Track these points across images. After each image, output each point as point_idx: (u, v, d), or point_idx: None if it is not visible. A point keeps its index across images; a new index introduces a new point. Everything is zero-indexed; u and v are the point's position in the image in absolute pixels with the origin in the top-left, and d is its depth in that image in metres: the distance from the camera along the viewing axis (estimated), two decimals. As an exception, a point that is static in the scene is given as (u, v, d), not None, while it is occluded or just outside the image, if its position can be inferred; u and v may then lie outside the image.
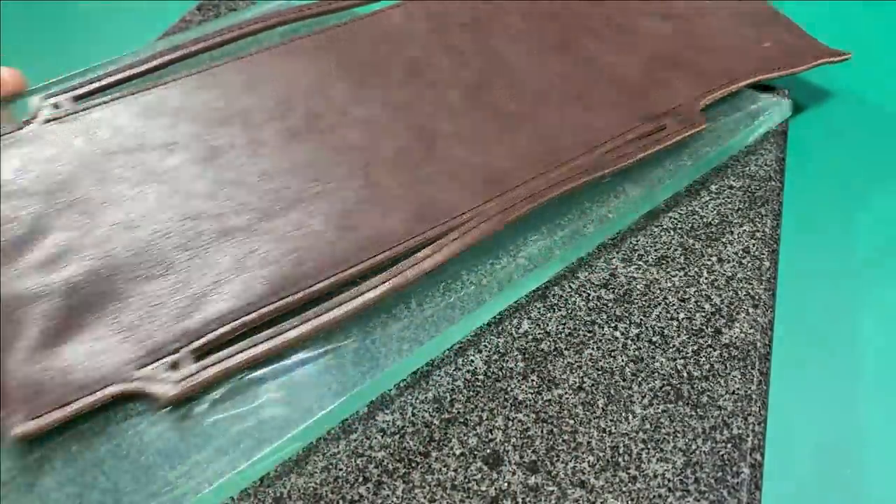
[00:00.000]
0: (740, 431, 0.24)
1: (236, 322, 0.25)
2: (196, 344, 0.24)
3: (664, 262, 0.30)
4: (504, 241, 0.29)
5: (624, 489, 0.23)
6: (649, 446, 0.24)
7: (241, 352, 0.24)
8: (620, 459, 0.24)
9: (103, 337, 0.24)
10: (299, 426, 0.23)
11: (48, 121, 0.32)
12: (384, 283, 0.26)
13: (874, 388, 0.28)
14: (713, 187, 0.33)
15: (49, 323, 0.24)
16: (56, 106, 0.33)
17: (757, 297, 0.29)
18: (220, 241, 0.27)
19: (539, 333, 0.27)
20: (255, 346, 0.24)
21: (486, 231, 0.28)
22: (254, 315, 0.25)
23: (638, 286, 0.29)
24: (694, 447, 0.24)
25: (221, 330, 0.24)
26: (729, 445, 0.24)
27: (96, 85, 0.34)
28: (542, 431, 0.24)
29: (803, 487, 0.25)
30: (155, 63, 0.35)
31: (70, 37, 0.48)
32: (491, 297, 0.27)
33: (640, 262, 0.30)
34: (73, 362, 0.23)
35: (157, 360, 0.24)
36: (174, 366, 0.24)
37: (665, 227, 0.32)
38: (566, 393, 0.26)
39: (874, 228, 0.35)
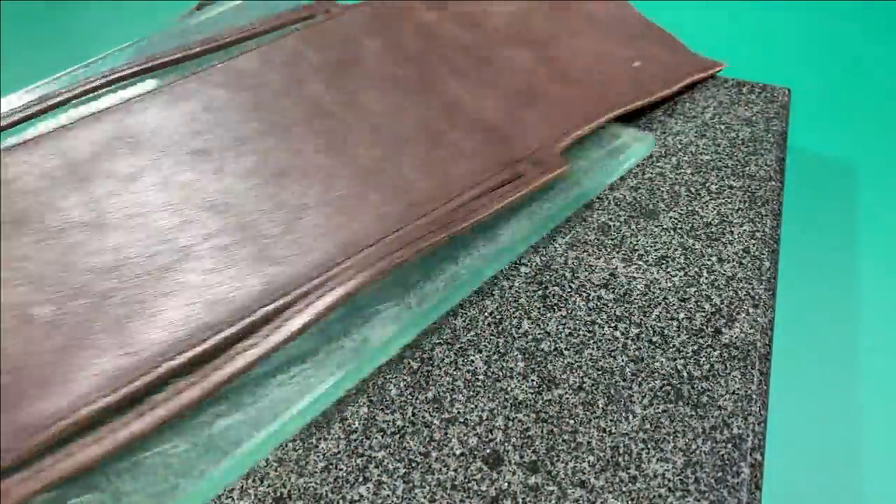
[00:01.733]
0: (740, 431, 0.24)
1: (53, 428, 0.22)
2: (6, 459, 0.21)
3: (664, 261, 0.30)
4: (351, 309, 0.27)
5: (624, 489, 0.23)
6: (649, 446, 0.24)
7: (60, 461, 0.21)
8: (620, 459, 0.24)
9: None
10: None
11: None
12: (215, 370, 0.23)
13: (874, 388, 0.28)
14: (713, 187, 0.33)
15: None
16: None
17: (757, 297, 0.29)
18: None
19: (539, 333, 0.27)
20: (77, 452, 0.21)
21: (331, 303, 0.25)
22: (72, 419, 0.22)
23: (638, 286, 0.29)
24: (694, 447, 0.24)
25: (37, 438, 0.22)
26: (729, 445, 0.24)
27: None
28: (542, 431, 0.24)
29: (803, 487, 0.25)
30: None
31: (68, 34, 0.48)
32: (344, 372, 0.25)
33: (640, 262, 0.30)
34: None
35: None
36: None
37: (665, 226, 0.32)
38: (566, 393, 0.26)
39: (873, 228, 0.35)
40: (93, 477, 0.22)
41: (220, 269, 0.27)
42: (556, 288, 0.29)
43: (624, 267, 0.30)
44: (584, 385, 0.26)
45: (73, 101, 0.34)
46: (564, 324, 0.28)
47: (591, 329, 0.28)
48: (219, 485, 0.22)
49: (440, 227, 0.28)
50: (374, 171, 0.31)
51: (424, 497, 0.23)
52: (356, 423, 0.24)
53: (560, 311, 0.28)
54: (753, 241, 0.31)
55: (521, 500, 0.23)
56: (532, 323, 0.28)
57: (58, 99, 0.34)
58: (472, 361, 0.26)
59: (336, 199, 0.30)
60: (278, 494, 0.23)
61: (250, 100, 0.35)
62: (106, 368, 0.23)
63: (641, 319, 0.28)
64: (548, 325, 0.28)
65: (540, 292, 0.29)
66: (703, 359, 0.27)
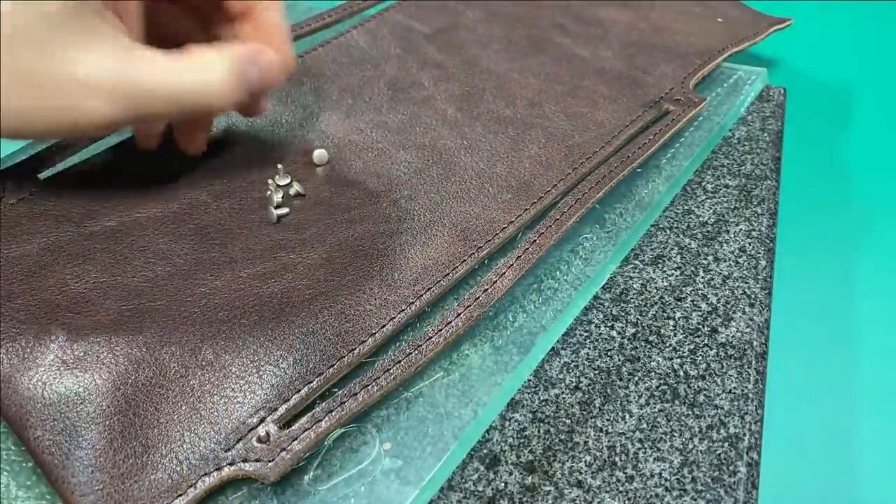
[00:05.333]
0: (737, 430, 0.24)
1: (318, 379, 0.23)
2: (281, 410, 0.22)
3: (660, 261, 0.30)
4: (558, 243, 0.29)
5: (621, 489, 0.23)
6: (646, 446, 0.24)
7: (332, 411, 0.22)
8: (617, 459, 0.24)
9: (179, 427, 0.21)
10: (419, 481, 0.21)
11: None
12: (466, 310, 0.25)
13: (870, 387, 0.28)
14: (709, 186, 0.33)
15: (111, 424, 0.21)
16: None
17: (753, 297, 0.29)
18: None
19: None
20: (346, 399, 0.22)
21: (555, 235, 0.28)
22: (333, 369, 0.23)
23: (634, 285, 0.29)
24: (691, 446, 0.24)
25: (304, 391, 0.22)
26: (726, 444, 0.24)
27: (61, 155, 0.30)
28: (538, 431, 0.24)
29: (800, 486, 0.25)
30: None
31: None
32: (563, 305, 0.27)
33: (637, 262, 0.30)
34: (151, 462, 0.20)
35: (243, 437, 0.21)
36: (264, 440, 0.21)
37: (661, 226, 0.32)
38: (563, 392, 0.26)
39: (870, 227, 0.35)
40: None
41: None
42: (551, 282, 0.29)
43: (620, 266, 0.30)
44: (581, 385, 0.26)
45: None
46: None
47: (587, 329, 0.28)
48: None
49: (618, 166, 0.30)
50: (525, 125, 0.33)
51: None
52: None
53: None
54: (749, 241, 0.31)
55: (517, 501, 0.23)
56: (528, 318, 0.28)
57: None
58: (467, 356, 0.26)
59: (493, 150, 0.32)
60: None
61: (371, 70, 0.36)
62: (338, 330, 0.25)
63: (638, 319, 0.28)
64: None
65: (535, 286, 0.29)
66: (700, 358, 0.27)
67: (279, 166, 0.29)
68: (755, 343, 0.27)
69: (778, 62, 0.44)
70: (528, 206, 0.29)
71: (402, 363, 0.23)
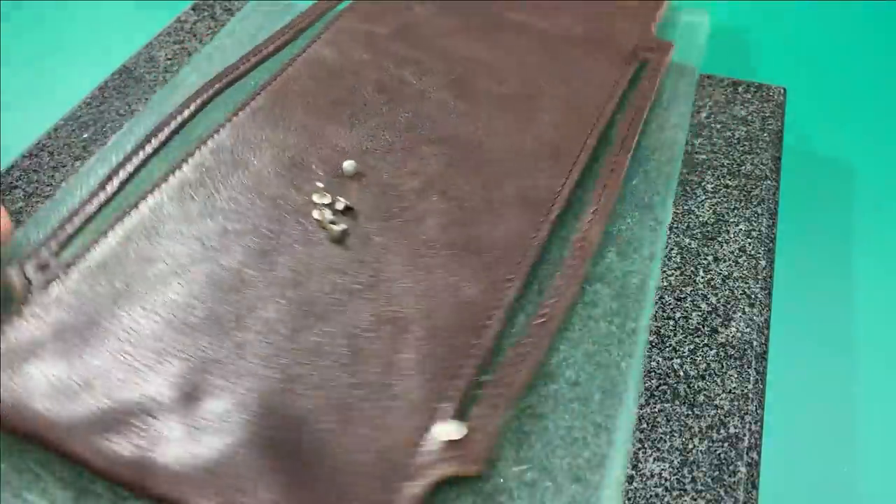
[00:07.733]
0: (737, 430, 0.24)
1: (464, 372, 0.23)
2: (449, 410, 0.22)
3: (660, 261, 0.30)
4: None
5: (621, 489, 0.23)
6: (646, 446, 0.24)
7: (499, 394, 0.23)
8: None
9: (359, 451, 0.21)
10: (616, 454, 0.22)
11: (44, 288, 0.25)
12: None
13: (870, 386, 0.28)
14: (709, 186, 0.33)
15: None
16: (41, 267, 0.26)
17: (753, 296, 0.29)
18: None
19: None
20: (510, 378, 0.23)
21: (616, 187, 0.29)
22: (472, 359, 0.24)
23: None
24: (691, 446, 0.24)
25: (461, 384, 0.23)
26: (726, 444, 0.24)
27: (72, 228, 0.28)
28: (539, 428, 0.24)
29: (800, 486, 0.25)
30: (122, 177, 0.30)
31: (64, 38, 0.48)
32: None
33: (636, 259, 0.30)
34: (344, 492, 0.20)
35: (423, 441, 0.21)
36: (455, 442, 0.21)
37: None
38: (562, 389, 0.25)
39: (869, 226, 0.35)
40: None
41: None
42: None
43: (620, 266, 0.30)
44: (580, 381, 0.26)
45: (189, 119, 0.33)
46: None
47: (586, 325, 0.28)
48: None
49: (635, 115, 0.32)
50: (526, 97, 0.33)
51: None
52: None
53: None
54: (749, 241, 0.31)
55: (516, 496, 0.23)
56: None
57: (181, 116, 0.33)
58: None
59: (507, 127, 0.32)
60: None
61: (352, 77, 0.35)
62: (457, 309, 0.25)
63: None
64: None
65: (536, 287, 0.29)
66: (700, 358, 0.27)
67: (319, 185, 0.29)
68: (755, 343, 0.27)
69: (778, 62, 0.44)
70: (570, 168, 0.30)
71: (532, 338, 0.24)
